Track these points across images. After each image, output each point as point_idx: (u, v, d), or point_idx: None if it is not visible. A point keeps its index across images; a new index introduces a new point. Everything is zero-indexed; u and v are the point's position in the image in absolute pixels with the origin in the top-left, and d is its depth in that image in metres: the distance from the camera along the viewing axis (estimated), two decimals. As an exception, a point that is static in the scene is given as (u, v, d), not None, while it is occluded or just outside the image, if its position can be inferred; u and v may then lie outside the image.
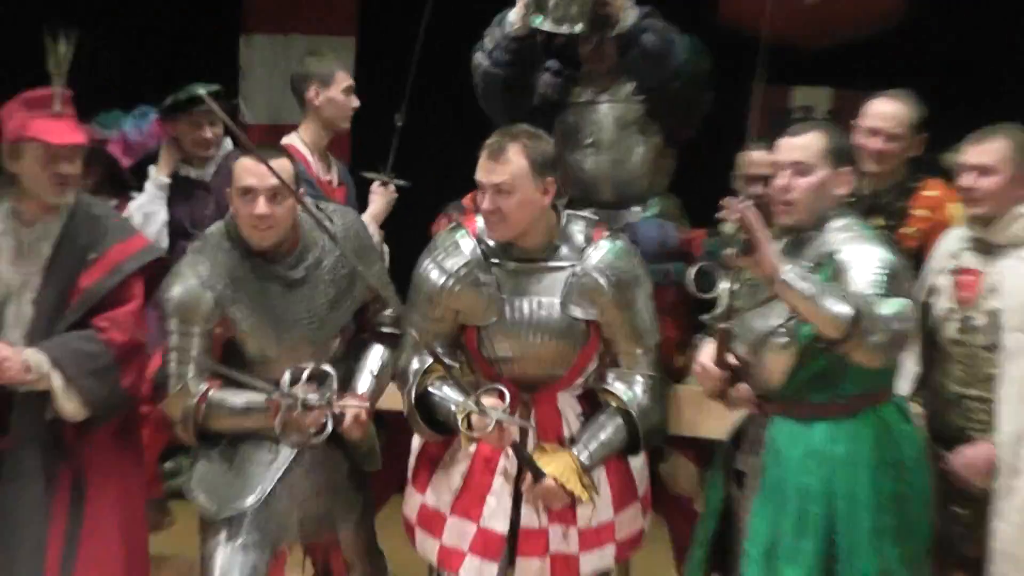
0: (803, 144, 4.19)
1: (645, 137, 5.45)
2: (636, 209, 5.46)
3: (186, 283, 4.49)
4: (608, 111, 5.45)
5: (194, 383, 4.50)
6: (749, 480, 4.33)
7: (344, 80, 5.59)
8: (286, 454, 4.56)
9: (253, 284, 4.50)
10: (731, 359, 4.27)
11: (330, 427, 4.30)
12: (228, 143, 5.91)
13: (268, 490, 4.53)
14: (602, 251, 4.45)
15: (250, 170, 4.39)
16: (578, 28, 5.29)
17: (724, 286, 4.30)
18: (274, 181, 4.28)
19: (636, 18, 5.27)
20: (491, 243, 4.41)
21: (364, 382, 4.69)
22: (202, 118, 5.84)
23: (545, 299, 4.39)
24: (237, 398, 4.48)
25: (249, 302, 4.50)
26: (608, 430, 4.45)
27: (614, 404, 4.48)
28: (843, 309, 3.90)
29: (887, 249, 4.15)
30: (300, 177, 4.58)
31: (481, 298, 4.41)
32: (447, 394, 4.35)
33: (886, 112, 5.16)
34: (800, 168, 4.17)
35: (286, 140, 5.55)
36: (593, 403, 4.53)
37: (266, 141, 5.66)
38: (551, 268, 4.41)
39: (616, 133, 5.45)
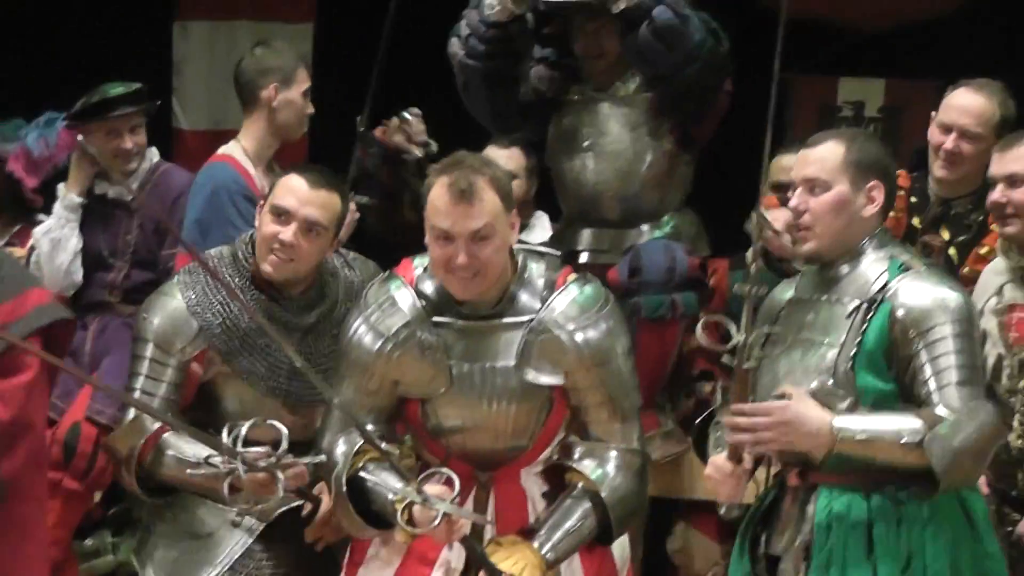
0: (818, 157, 4.01)
1: (656, 141, 5.41)
2: (646, 228, 5.42)
3: (171, 305, 4.49)
4: (611, 111, 5.43)
5: (146, 421, 4.44)
6: (786, 566, 4.09)
7: (305, 81, 5.43)
8: (250, 527, 4.50)
9: (249, 322, 4.47)
10: (746, 454, 4.06)
11: (280, 493, 4.13)
12: (154, 154, 5.62)
13: (228, 566, 4.51)
14: (567, 299, 4.22)
15: (293, 191, 4.40)
16: None
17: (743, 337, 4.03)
18: (315, 213, 4.36)
19: None
20: (431, 295, 4.23)
21: None
22: (120, 124, 5.50)
23: (500, 364, 4.22)
24: (190, 448, 4.39)
25: (241, 341, 4.48)
26: (574, 517, 4.26)
27: (581, 484, 4.28)
28: (910, 439, 3.82)
29: (948, 286, 3.97)
30: (343, 220, 4.58)
31: (427, 366, 4.22)
32: (384, 480, 4.15)
33: (966, 106, 4.92)
34: (813, 185, 4.00)
35: (224, 150, 5.40)
36: (559, 481, 4.36)
37: (203, 150, 5.76)
38: (507, 326, 4.22)
39: (621, 137, 5.43)
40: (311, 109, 5.42)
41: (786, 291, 4.14)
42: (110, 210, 5.59)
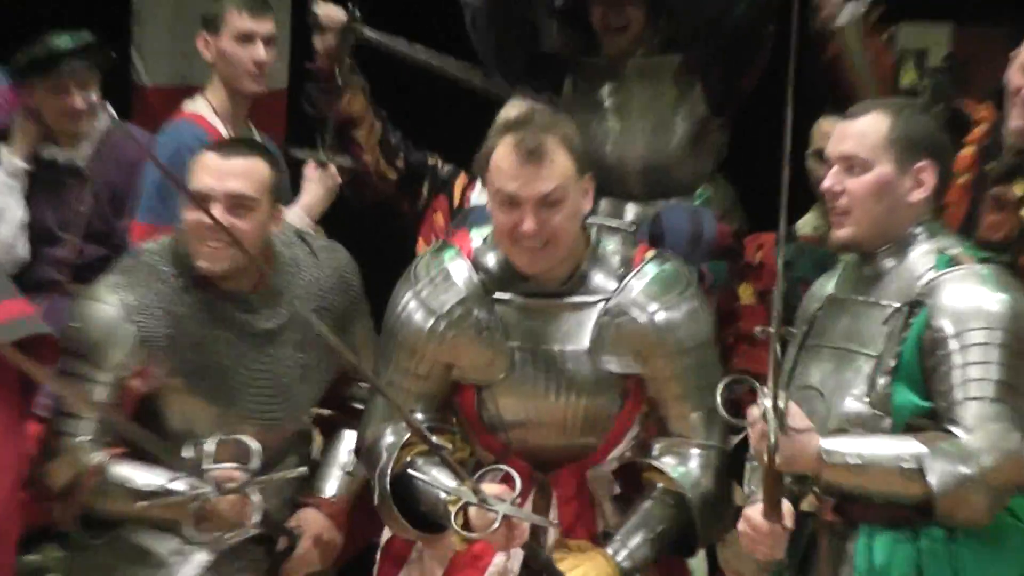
0: (857, 131, 3.86)
1: (685, 107, 5.27)
2: (674, 202, 5.27)
3: (103, 311, 4.28)
4: (635, 76, 5.27)
5: (88, 448, 4.27)
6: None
7: (238, 23, 5.29)
8: (200, 559, 4.34)
9: (197, 327, 4.30)
10: (785, 512, 3.84)
11: (256, 518, 4.08)
12: (110, 113, 5.37)
13: None
14: (646, 278, 4.17)
15: (207, 169, 4.24)
16: None
17: (766, 404, 3.72)
18: (239, 186, 4.19)
19: None
20: (491, 269, 4.18)
21: (332, 483, 4.54)
22: (69, 81, 5.35)
23: (570, 348, 4.16)
24: (142, 476, 4.24)
25: (187, 351, 4.30)
26: (653, 520, 4.19)
27: (662, 484, 4.22)
28: (911, 466, 3.63)
29: (998, 287, 3.75)
30: (279, 188, 4.45)
31: (483, 348, 4.16)
32: (435, 478, 4.06)
33: None
34: (851, 164, 3.86)
35: (190, 107, 5.31)
36: (634, 482, 4.29)
37: (167, 108, 5.49)
38: (578, 305, 4.16)
39: (647, 103, 5.28)
40: (261, 55, 5.28)
41: (827, 284, 4.01)
42: (60, 178, 5.46)
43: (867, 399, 3.80)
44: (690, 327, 4.21)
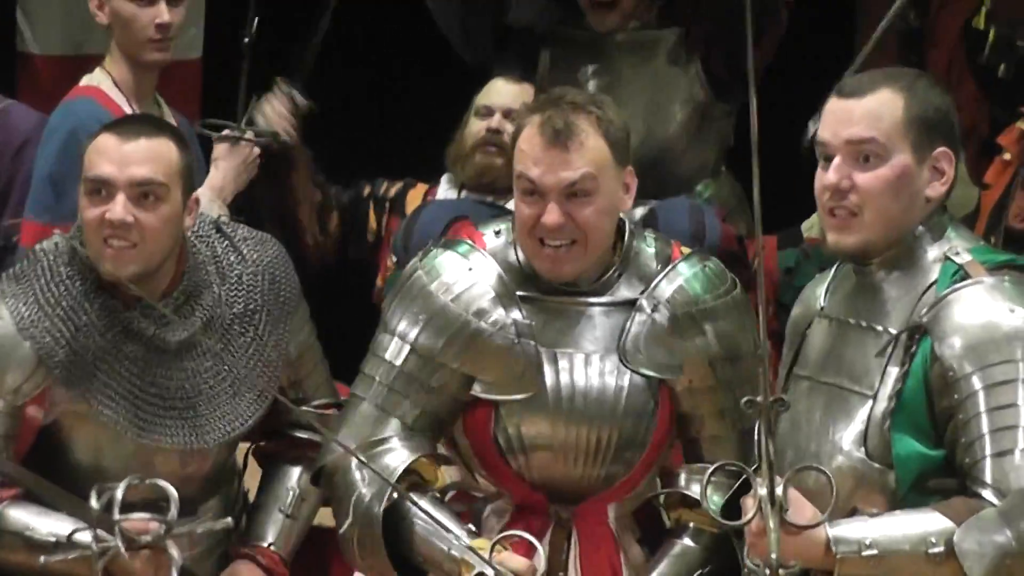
0: (869, 111, 3.47)
1: (684, 90, 5.16)
2: (673, 199, 5.12)
3: None
4: (623, 55, 5.14)
5: None
6: None
7: None
8: None
9: (101, 340, 4.12)
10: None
11: (174, 574, 3.99)
12: None
13: None
14: (682, 278, 4.04)
15: (105, 153, 4.07)
16: None
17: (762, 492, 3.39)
18: (144, 171, 4.02)
19: None
20: (512, 265, 4.03)
21: (270, 527, 4.35)
22: None
23: (601, 356, 4.01)
24: (42, 523, 4.08)
25: (91, 368, 4.14)
26: (690, 566, 4.05)
27: (694, 524, 4.07)
28: (939, 549, 3.33)
29: (1021, 307, 3.39)
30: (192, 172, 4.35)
31: (517, 356, 3.99)
32: (436, 528, 3.91)
33: None
34: (863, 152, 3.45)
35: (87, 80, 5.04)
36: (653, 521, 4.21)
37: (61, 82, 5.34)
38: (610, 306, 4.02)
39: (639, 87, 5.14)
40: (164, 16, 5.00)
41: (818, 289, 3.66)
42: (-69, 166, 5.27)
43: (863, 449, 3.47)
44: (735, 331, 4.05)
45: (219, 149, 5.20)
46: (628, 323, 4.05)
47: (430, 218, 4.99)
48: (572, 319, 4.05)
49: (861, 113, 3.47)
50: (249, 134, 5.26)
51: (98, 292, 4.15)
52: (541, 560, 3.81)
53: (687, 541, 4.08)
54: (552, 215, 3.85)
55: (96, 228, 4.06)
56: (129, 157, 4.03)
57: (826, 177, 3.46)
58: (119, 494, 3.89)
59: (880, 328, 3.48)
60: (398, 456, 3.99)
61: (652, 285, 4.06)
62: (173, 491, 3.91)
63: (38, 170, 4.86)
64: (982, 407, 3.32)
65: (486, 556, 3.76)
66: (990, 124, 5.19)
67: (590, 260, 3.97)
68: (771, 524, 3.34)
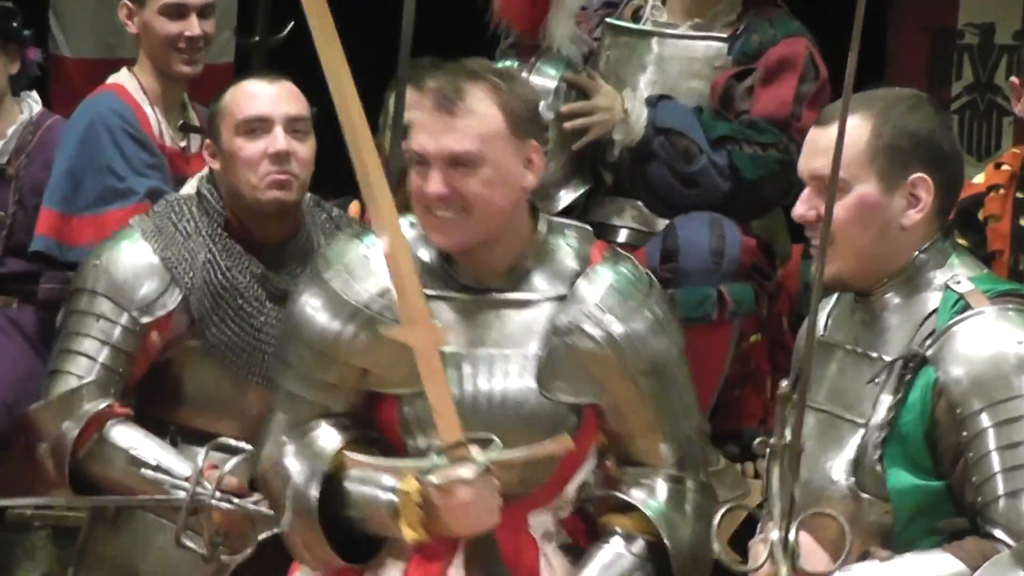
0: (831, 142, 3.31)
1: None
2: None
3: (136, 250, 4.33)
4: (664, 49, 5.07)
5: (91, 392, 4.26)
6: None
7: None
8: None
9: (222, 278, 4.34)
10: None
11: (252, 547, 4.11)
12: (34, 101, 5.27)
13: None
14: (601, 284, 3.88)
15: (257, 95, 4.31)
16: None
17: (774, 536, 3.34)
18: (294, 108, 4.27)
19: None
20: (423, 261, 3.91)
21: None
22: None
23: (512, 353, 3.88)
24: (149, 448, 4.24)
25: (213, 305, 4.34)
26: (623, 573, 3.92)
27: (621, 529, 3.92)
28: None
29: None
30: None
31: (406, 349, 3.86)
32: (373, 473, 3.80)
33: None
34: (825, 184, 3.37)
35: (113, 78, 5.12)
36: (587, 526, 4.04)
37: (92, 85, 5.25)
38: (522, 303, 3.88)
39: (681, 83, 5.04)
40: (195, 29, 5.04)
41: (821, 313, 3.58)
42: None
43: (852, 479, 3.41)
44: (654, 342, 3.89)
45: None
46: (544, 337, 3.95)
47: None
48: (483, 318, 3.99)
49: (824, 144, 3.44)
50: None
51: (223, 235, 4.35)
52: (460, 568, 3.78)
53: (619, 548, 4.00)
54: (433, 183, 3.78)
55: (257, 163, 4.28)
56: (280, 96, 4.30)
57: (796, 208, 3.50)
58: (228, 468, 4.03)
59: (876, 355, 3.46)
60: (331, 438, 3.95)
61: (571, 291, 3.96)
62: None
63: (59, 162, 4.93)
64: (992, 445, 3.29)
65: (436, 457, 3.71)
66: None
67: (481, 232, 3.85)
68: (783, 573, 3.29)
